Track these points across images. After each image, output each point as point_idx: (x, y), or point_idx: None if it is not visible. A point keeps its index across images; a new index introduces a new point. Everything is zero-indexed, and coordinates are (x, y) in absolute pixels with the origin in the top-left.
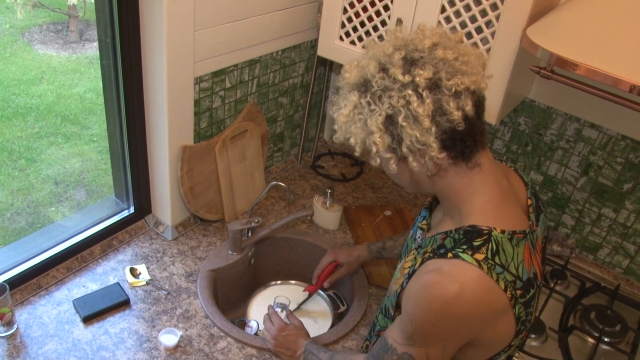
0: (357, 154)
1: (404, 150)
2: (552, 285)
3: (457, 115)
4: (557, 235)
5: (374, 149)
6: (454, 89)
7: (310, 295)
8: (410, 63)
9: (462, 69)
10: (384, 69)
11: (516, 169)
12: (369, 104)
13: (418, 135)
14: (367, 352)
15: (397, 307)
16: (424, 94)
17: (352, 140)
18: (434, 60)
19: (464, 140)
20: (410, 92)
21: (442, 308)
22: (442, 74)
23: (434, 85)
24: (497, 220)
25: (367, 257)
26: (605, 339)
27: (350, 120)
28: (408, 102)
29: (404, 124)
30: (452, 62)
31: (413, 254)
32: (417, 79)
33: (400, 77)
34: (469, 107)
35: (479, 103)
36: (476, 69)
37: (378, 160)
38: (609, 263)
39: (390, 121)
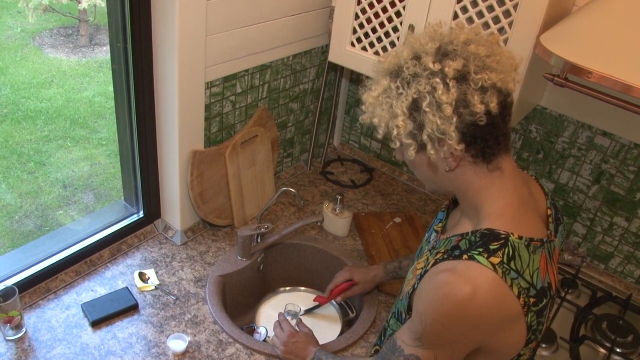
0: (379, 135)
1: (424, 137)
2: (563, 294)
3: (479, 108)
4: (568, 244)
5: (395, 132)
6: (480, 83)
7: (318, 306)
8: (443, 54)
9: (492, 66)
10: (417, 57)
11: (537, 178)
12: (397, 88)
13: (439, 122)
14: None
15: (409, 309)
16: (451, 83)
17: (375, 121)
18: (466, 54)
19: (485, 139)
20: (438, 80)
21: (453, 308)
22: (471, 67)
23: (462, 77)
24: (515, 226)
25: (384, 277)
26: (617, 350)
27: (377, 103)
28: (434, 89)
29: (427, 109)
30: (484, 58)
31: (426, 255)
32: (447, 68)
33: (431, 65)
34: (493, 104)
35: (505, 104)
36: (506, 68)
37: (398, 144)
38: (621, 272)
39: (414, 106)
